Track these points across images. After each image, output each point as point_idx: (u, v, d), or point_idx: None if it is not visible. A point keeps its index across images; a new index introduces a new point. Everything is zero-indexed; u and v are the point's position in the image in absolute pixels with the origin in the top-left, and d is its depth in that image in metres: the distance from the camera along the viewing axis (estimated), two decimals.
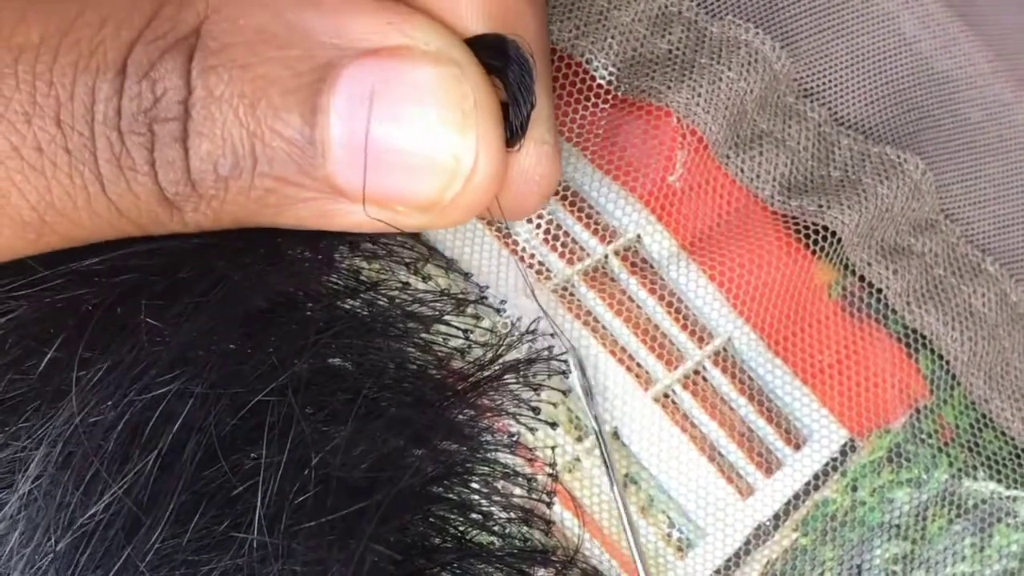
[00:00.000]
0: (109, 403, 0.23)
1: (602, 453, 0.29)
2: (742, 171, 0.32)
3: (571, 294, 0.31)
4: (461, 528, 0.27)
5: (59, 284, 0.24)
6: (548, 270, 0.31)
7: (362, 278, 0.28)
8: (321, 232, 0.25)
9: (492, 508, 0.28)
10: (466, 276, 0.30)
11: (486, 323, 0.30)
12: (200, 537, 0.24)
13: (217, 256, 0.25)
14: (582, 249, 0.31)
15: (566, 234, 0.31)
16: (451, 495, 0.27)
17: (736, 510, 0.30)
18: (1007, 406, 0.33)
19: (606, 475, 0.29)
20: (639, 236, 0.31)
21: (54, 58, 0.22)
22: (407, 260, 0.29)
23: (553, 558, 0.28)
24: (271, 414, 0.24)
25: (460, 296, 0.29)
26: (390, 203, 0.24)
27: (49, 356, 0.24)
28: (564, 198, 0.31)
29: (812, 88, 0.33)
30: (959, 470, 0.32)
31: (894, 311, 0.32)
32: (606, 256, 0.31)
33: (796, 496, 0.31)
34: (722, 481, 0.30)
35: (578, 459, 0.29)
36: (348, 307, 0.27)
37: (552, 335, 0.30)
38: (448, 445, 0.27)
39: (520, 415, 0.29)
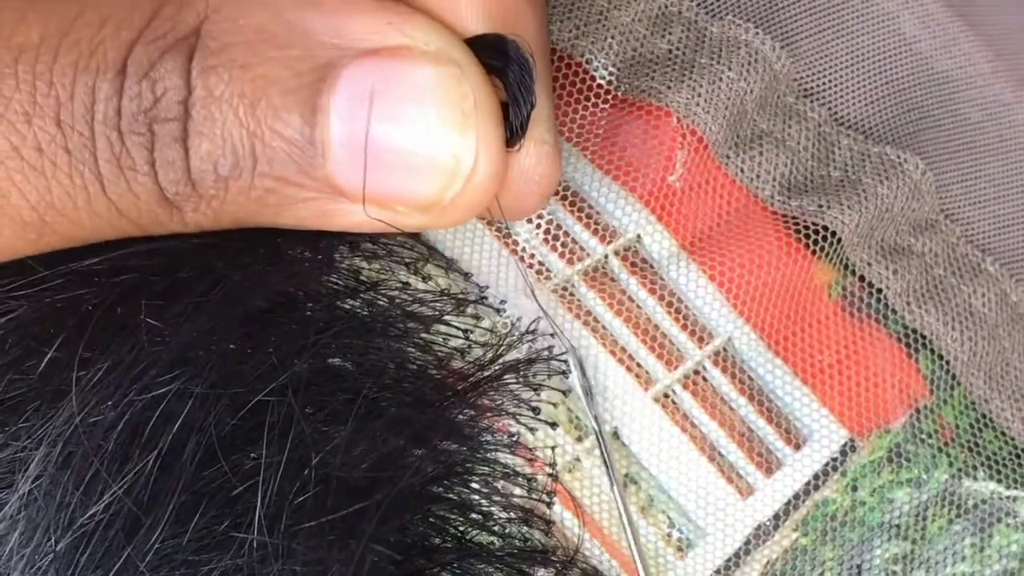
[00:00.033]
0: (109, 403, 0.23)
1: (602, 453, 0.29)
2: (742, 171, 0.32)
3: (571, 294, 0.31)
4: (461, 528, 0.27)
5: (59, 284, 0.24)
6: (548, 270, 0.31)
7: (362, 278, 0.28)
8: (321, 232, 0.25)
9: (492, 508, 0.28)
10: (466, 276, 0.30)
11: (486, 323, 0.30)
12: (200, 537, 0.24)
13: (217, 256, 0.25)
14: (582, 249, 0.31)
15: (566, 234, 0.31)
16: (451, 495, 0.27)
17: (736, 510, 0.30)
18: (1007, 406, 0.33)
19: (606, 475, 0.29)
20: (639, 236, 0.31)
21: (54, 58, 0.22)
22: (407, 260, 0.29)
23: (553, 558, 0.28)
24: (271, 414, 0.24)
25: (460, 296, 0.29)
26: (390, 203, 0.24)
27: (49, 356, 0.24)
28: (564, 198, 0.31)
29: (812, 88, 0.33)
30: (959, 470, 0.32)
31: (894, 311, 0.32)
32: (606, 256, 0.31)
33: (796, 496, 0.31)
34: (722, 481, 0.30)
35: (578, 459, 0.29)
36: (348, 307, 0.27)
37: (552, 335, 0.30)
38: (448, 445, 0.27)
39: (520, 415, 0.29)
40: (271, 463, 0.24)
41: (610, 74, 0.32)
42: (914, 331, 0.32)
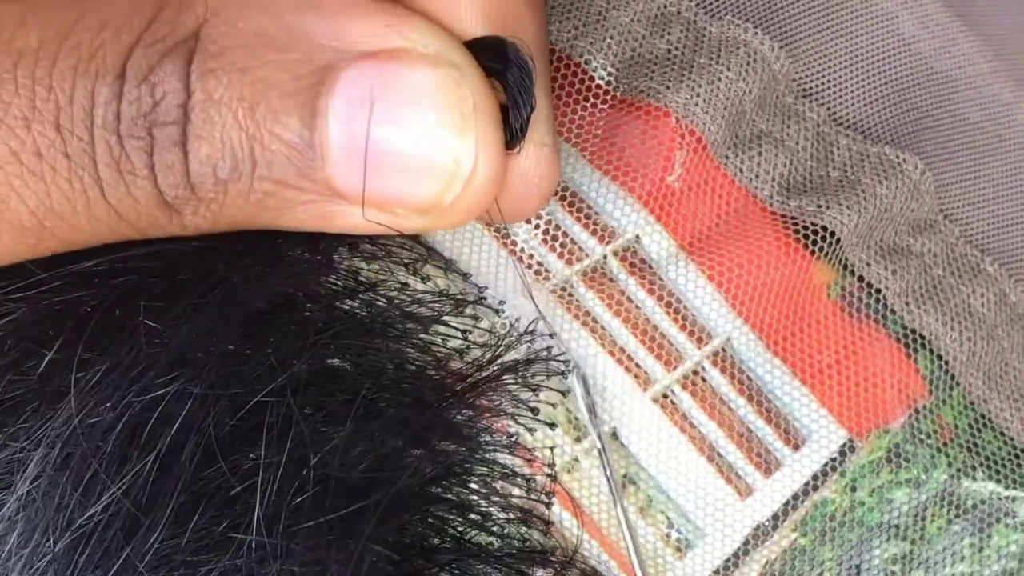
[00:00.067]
0: (108, 404, 0.23)
1: (605, 471, 0.29)
2: (741, 171, 0.32)
3: (570, 294, 0.31)
4: (460, 528, 0.27)
5: (58, 286, 0.24)
6: (547, 270, 0.31)
7: (361, 279, 0.28)
8: (320, 233, 0.26)
9: (491, 508, 0.28)
10: (465, 277, 0.30)
11: (485, 324, 0.30)
12: (199, 538, 0.24)
13: (216, 258, 0.25)
14: (581, 249, 0.31)
15: (565, 234, 0.31)
16: (450, 495, 0.27)
17: (735, 510, 0.30)
18: (1006, 406, 0.33)
19: (607, 485, 0.29)
20: (638, 236, 0.31)
21: (53, 62, 0.22)
22: (406, 261, 0.29)
23: (552, 558, 0.28)
24: (270, 415, 0.24)
25: (459, 297, 0.29)
26: (389, 205, 0.24)
27: (48, 358, 0.24)
28: (563, 198, 0.31)
29: (811, 88, 0.33)
30: (958, 470, 0.32)
31: (893, 311, 0.32)
32: (605, 256, 0.31)
33: (795, 496, 0.31)
34: (721, 481, 0.30)
35: (577, 459, 0.29)
36: (347, 308, 0.27)
37: (551, 335, 0.30)
38: (447, 445, 0.27)
39: (519, 415, 0.29)
40: (270, 463, 0.24)
41: (609, 74, 0.32)
42: (913, 331, 0.32)
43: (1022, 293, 0.34)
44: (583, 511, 0.29)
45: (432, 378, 0.28)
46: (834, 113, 0.33)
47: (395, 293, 0.28)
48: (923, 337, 0.32)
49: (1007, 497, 0.32)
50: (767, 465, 0.31)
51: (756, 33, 0.32)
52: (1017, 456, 0.32)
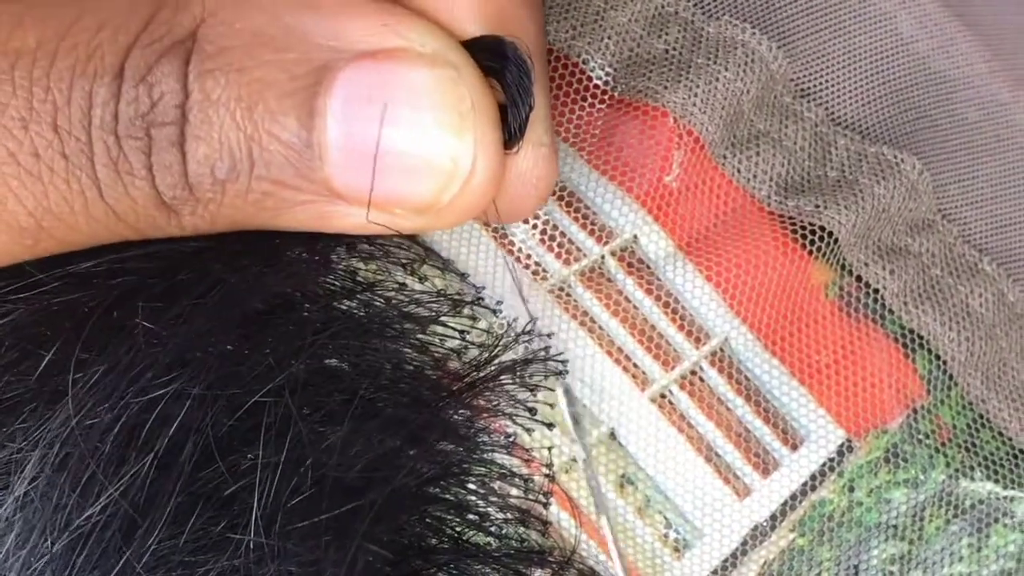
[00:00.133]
0: (106, 405, 0.23)
1: (590, 482, 0.29)
2: (739, 171, 0.32)
3: (568, 295, 0.31)
4: (457, 528, 0.27)
5: (56, 287, 0.24)
6: (544, 271, 0.31)
7: (359, 279, 0.28)
8: (318, 233, 0.26)
9: (489, 508, 0.28)
10: (462, 277, 0.30)
11: (482, 324, 0.30)
12: (197, 538, 0.24)
13: (214, 259, 0.25)
14: (578, 250, 0.31)
15: (562, 234, 0.31)
16: (447, 495, 0.27)
17: (733, 511, 0.30)
18: (1004, 406, 0.33)
19: (593, 496, 0.29)
20: (635, 236, 0.31)
21: (51, 63, 0.22)
22: (404, 261, 0.29)
23: (550, 559, 0.28)
24: (268, 415, 0.24)
25: (456, 297, 0.29)
26: (387, 205, 0.24)
27: (47, 359, 0.24)
28: (560, 198, 0.31)
29: (809, 88, 0.33)
30: (956, 470, 0.32)
31: (891, 311, 0.32)
32: (602, 256, 0.31)
33: (793, 496, 0.31)
34: (719, 482, 0.30)
35: (574, 460, 0.29)
36: (345, 308, 0.27)
37: (549, 335, 0.30)
38: (444, 445, 0.27)
39: (516, 416, 0.29)
40: (268, 463, 0.24)
41: (607, 74, 0.32)
42: (911, 331, 0.32)
43: (1020, 293, 0.34)
44: (581, 511, 0.29)
45: (430, 378, 0.28)
46: (832, 113, 0.33)
47: (393, 293, 0.28)
48: (921, 337, 0.32)
49: (1005, 497, 0.32)
50: (765, 465, 0.31)
51: (754, 33, 0.32)
52: (1015, 456, 0.32)
